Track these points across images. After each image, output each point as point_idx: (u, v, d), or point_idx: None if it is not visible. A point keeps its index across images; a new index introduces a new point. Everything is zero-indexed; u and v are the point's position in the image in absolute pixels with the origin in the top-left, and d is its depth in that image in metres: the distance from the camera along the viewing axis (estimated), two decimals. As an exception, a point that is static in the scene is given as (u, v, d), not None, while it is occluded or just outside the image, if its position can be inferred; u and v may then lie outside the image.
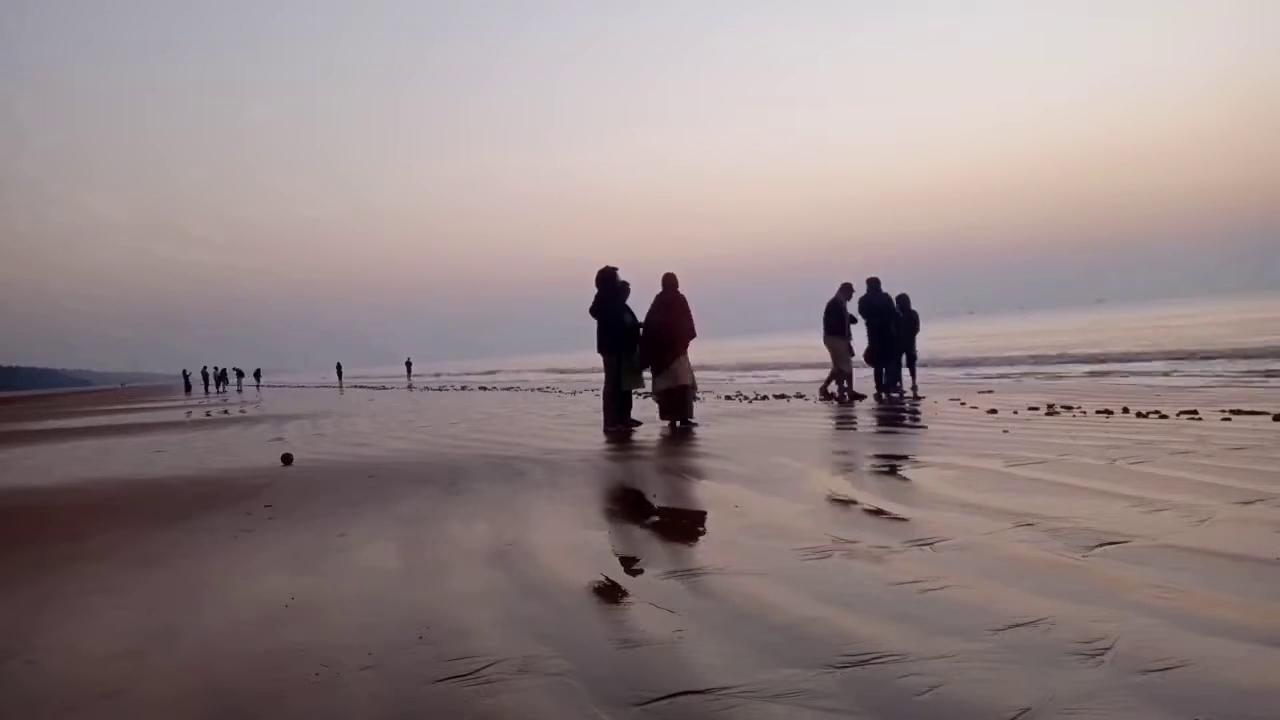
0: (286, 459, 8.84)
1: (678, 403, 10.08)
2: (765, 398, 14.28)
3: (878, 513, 4.66)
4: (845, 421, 9.72)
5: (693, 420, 10.17)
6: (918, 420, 9.31)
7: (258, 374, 63.69)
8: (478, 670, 2.65)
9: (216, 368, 54.14)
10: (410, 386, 35.56)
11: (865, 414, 10.44)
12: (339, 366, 59.55)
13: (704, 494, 5.60)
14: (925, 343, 15.25)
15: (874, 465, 6.31)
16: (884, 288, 13.86)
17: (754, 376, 24.64)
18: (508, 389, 26.12)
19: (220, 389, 49.95)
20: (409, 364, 57.12)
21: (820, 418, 10.35)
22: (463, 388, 29.48)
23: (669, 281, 10.19)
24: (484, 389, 27.48)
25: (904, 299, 14.32)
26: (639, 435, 9.49)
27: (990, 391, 12.24)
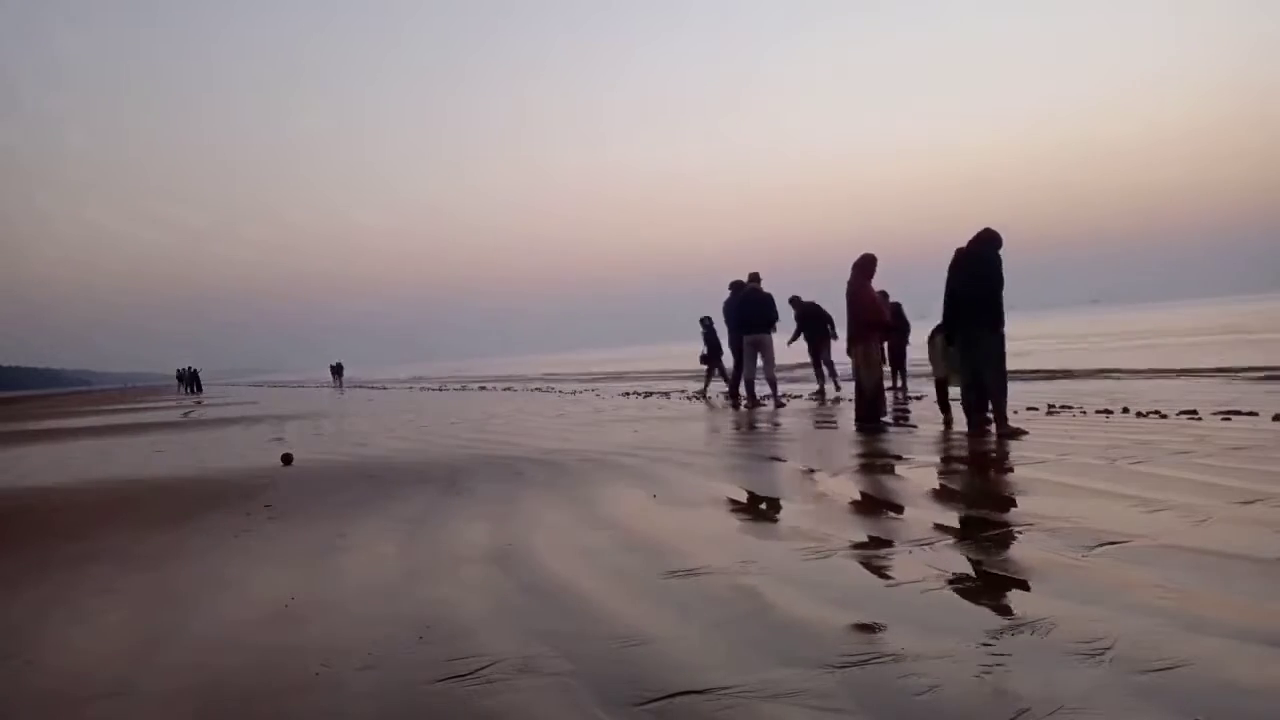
0: (286, 459, 8.83)
1: (863, 399, 8.98)
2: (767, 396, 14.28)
3: (878, 512, 4.66)
4: (844, 422, 9.71)
5: (875, 420, 8.82)
6: (908, 422, 9.29)
7: (195, 376, 59.04)
8: (478, 670, 2.65)
9: (189, 368, 52.40)
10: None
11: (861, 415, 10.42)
12: (340, 366, 57.91)
13: (705, 493, 5.59)
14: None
15: (874, 465, 6.31)
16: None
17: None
18: (507, 389, 26.11)
19: (191, 390, 48.93)
20: (337, 368, 54.53)
21: (817, 418, 10.34)
22: (462, 388, 29.48)
23: (861, 264, 9.08)
24: (483, 388, 27.48)
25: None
26: (639, 434, 9.46)
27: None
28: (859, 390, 9.07)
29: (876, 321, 9.15)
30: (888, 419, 9.07)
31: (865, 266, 9.03)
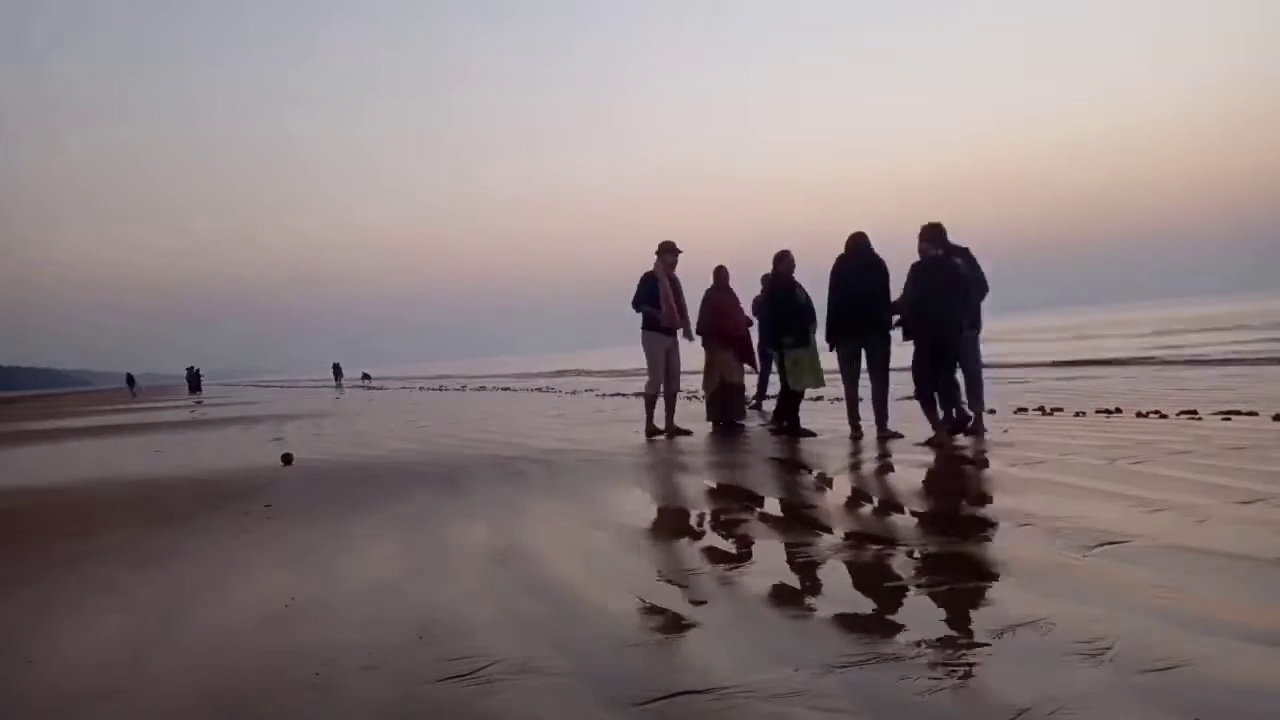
0: (286, 459, 8.83)
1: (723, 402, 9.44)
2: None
3: (879, 511, 4.66)
4: (833, 425, 9.69)
5: (741, 421, 9.57)
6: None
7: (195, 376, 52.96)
8: (478, 670, 2.64)
9: (193, 368, 52.01)
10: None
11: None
12: (337, 367, 57.55)
13: (705, 493, 5.60)
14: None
15: (873, 465, 6.31)
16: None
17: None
18: (505, 389, 26.12)
19: (192, 389, 48.69)
20: (337, 368, 53.26)
21: (811, 422, 10.32)
22: (462, 388, 29.48)
23: (717, 276, 9.54)
24: (482, 389, 27.48)
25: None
26: (640, 433, 9.45)
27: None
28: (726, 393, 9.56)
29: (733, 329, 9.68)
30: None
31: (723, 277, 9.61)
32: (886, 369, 7.90)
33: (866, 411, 7.95)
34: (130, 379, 60.39)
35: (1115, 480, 4.94)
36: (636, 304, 9.10)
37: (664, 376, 9.11)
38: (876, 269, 7.78)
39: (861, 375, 7.97)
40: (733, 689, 2.37)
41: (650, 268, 9.09)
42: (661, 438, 8.81)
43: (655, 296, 8.97)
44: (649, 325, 9.05)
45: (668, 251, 9.08)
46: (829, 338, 8.04)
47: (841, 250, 7.90)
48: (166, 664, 2.94)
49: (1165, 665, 2.35)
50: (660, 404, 9.16)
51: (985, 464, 6.04)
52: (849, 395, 8.09)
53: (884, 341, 7.82)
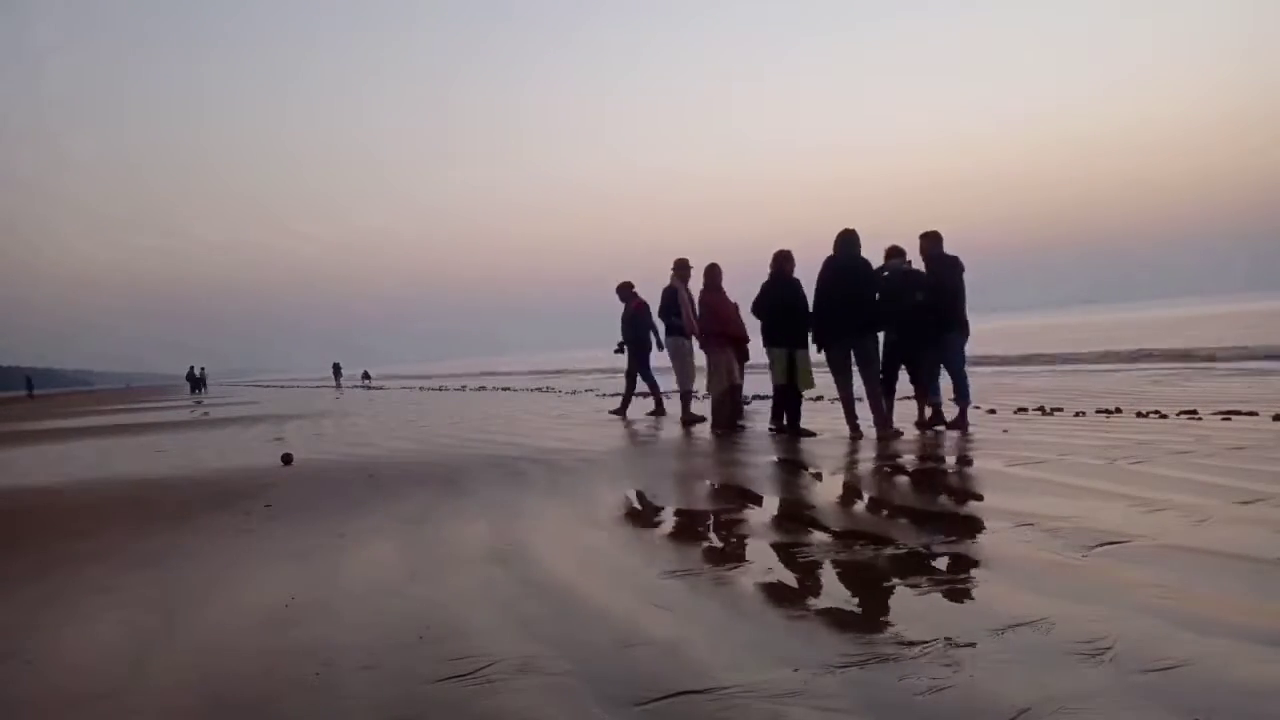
0: (286, 459, 8.83)
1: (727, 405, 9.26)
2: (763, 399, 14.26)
3: (877, 512, 4.66)
4: (830, 425, 9.69)
5: (742, 423, 9.54)
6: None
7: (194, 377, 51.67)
8: (478, 670, 2.65)
9: (195, 368, 51.46)
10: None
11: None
12: (336, 367, 57.41)
13: (703, 494, 5.60)
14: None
15: (872, 465, 6.31)
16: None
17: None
18: (505, 389, 26.12)
19: (193, 390, 48.41)
20: (337, 368, 52.04)
21: (811, 422, 10.33)
22: (462, 388, 29.49)
23: (710, 274, 9.43)
24: (482, 389, 27.48)
25: None
26: (648, 434, 9.46)
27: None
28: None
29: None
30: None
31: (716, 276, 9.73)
32: (877, 369, 7.90)
33: (865, 411, 7.97)
34: (29, 382, 60.35)
35: (1115, 480, 4.95)
36: (664, 314, 10.64)
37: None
38: (859, 270, 7.80)
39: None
40: (733, 689, 2.37)
41: (669, 282, 10.54)
42: (700, 425, 9.91)
43: (677, 308, 10.39)
44: (674, 331, 10.54)
45: (683, 267, 10.49)
46: (816, 340, 8.08)
47: (831, 250, 7.90)
48: (166, 664, 2.94)
49: (1165, 665, 2.35)
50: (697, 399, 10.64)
51: (985, 464, 6.04)
52: (844, 396, 8.09)
53: (872, 341, 7.87)
